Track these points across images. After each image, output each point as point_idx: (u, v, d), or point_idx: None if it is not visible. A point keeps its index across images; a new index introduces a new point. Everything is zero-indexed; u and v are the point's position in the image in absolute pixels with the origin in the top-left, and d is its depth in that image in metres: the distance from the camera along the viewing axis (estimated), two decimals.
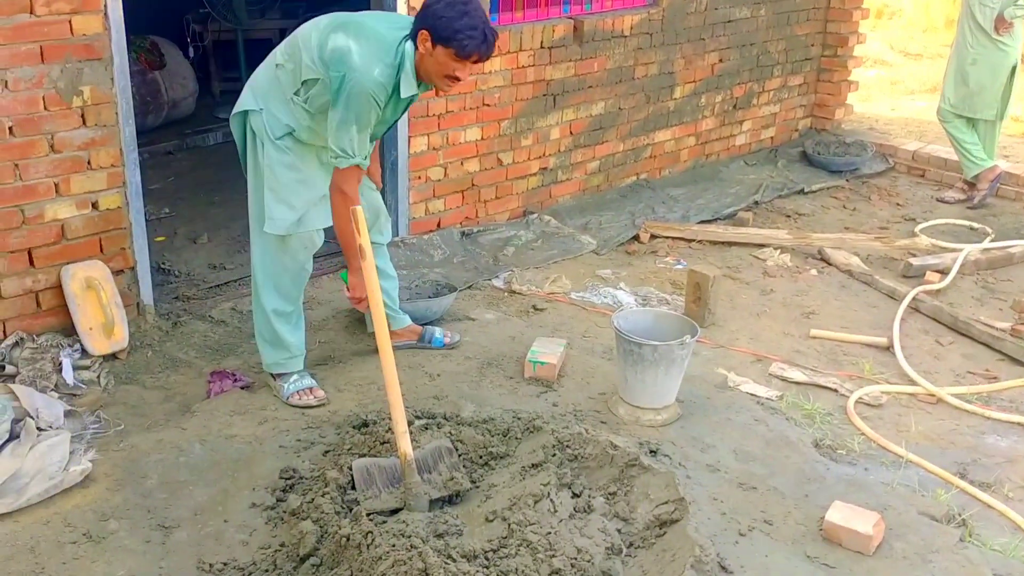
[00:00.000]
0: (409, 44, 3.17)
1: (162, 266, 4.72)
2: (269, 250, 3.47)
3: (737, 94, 6.60)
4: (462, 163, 5.09)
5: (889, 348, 4.29)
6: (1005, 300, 4.88)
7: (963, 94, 6.08)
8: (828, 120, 7.29)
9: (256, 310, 3.60)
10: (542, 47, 5.22)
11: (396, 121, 3.53)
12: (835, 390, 3.92)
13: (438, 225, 5.10)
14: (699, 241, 5.43)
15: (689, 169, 6.51)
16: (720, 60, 6.35)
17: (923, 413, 3.82)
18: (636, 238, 5.42)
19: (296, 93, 3.29)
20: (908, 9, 12.31)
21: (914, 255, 5.20)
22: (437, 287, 4.40)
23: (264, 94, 3.36)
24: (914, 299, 4.69)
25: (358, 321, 4.19)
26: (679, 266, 5.12)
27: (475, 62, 3.19)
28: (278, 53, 3.38)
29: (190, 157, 6.57)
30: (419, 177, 4.91)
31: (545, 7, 5.34)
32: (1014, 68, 5.99)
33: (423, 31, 3.10)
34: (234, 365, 3.87)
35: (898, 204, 6.25)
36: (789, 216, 5.96)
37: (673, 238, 5.45)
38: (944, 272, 5.02)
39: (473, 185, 5.20)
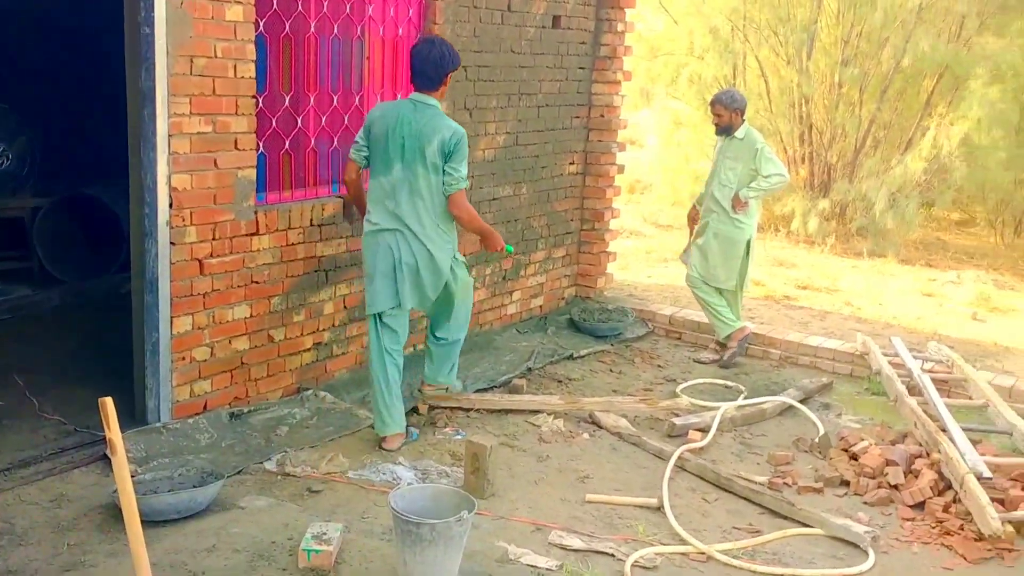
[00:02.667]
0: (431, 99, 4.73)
1: None
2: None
3: (505, 266, 6.86)
4: (230, 341, 4.93)
5: (660, 508, 4.42)
6: (761, 454, 5.20)
7: (705, 266, 6.64)
8: (591, 288, 7.70)
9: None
10: (312, 224, 5.25)
11: None
12: (612, 555, 3.97)
13: (205, 407, 4.86)
14: (477, 410, 5.48)
15: (464, 338, 6.60)
16: None
17: (695, 572, 3.93)
18: (415, 410, 5.39)
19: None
20: (658, 185, 13.46)
21: (677, 415, 5.46)
22: (202, 475, 4.15)
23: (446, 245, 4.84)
24: (680, 458, 4.90)
25: (113, 518, 3.85)
26: (458, 436, 5.12)
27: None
28: (426, 198, 4.68)
29: None
30: (183, 358, 4.70)
31: (314, 186, 5.40)
32: (749, 242, 6.61)
33: (447, 76, 4.77)
34: None
35: (659, 366, 6.62)
36: (561, 381, 6.15)
37: (451, 408, 5.46)
38: (705, 430, 5.31)
39: (243, 363, 5.03)
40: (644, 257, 9.98)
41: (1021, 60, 10.79)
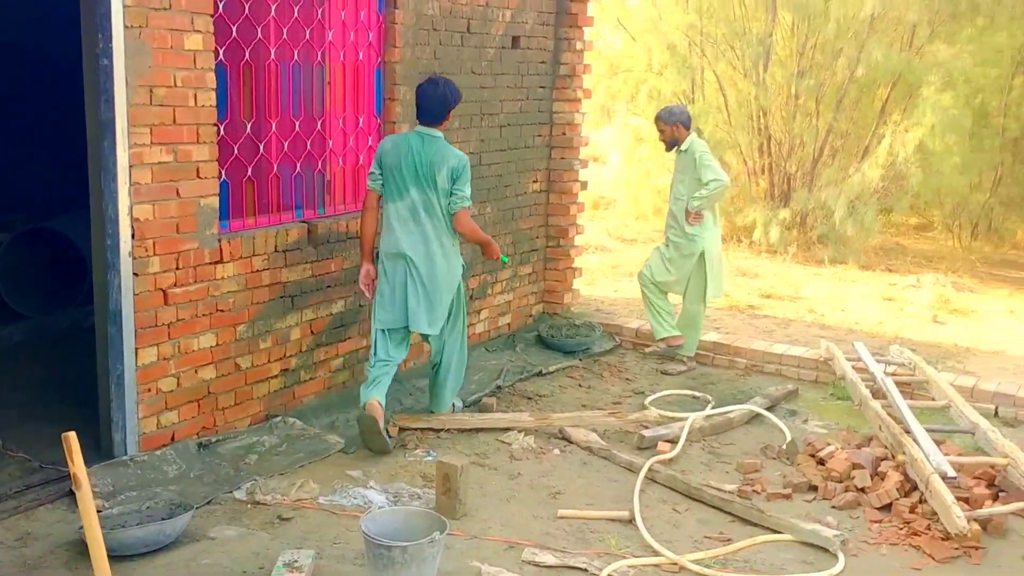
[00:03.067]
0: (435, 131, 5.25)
1: None
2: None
3: (472, 285, 6.88)
4: (196, 371, 4.90)
5: (632, 521, 4.45)
6: (730, 463, 5.25)
7: (660, 270, 6.80)
8: (558, 304, 7.75)
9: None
10: (276, 251, 5.25)
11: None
12: (585, 569, 3.99)
13: (172, 439, 4.83)
14: (447, 430, 5.48)
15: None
16: None
17: None
18: (386, 432, 5.38)
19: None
20: (621, 200, 13.57)
21: (646, 427, 5.51)
22: (171, 507, 4.12)
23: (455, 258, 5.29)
24: (650, 470, 4.94)
25: (80, 554, 3.81)
26: (429, 457, 5.12)
27: None
28: (440, 219, 5.16)
29: None
30: (148, 390, 4.67)
31: (277, 212, 5.40)
32: (703, 254, 6.70)
33: (447, 114, 5.28)
34: None
35: (628, 379, 6.66)
36: (530, 398, 6.17)
37: (421, 429, 5.47)
38: (674, 441, 5.35)
39: (210, 393, 5.01)
40: (610, 272, 10.05)
41: (971, 67, 11.04)
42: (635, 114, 12.99)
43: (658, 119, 6.75)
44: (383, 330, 5.32)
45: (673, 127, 6.66)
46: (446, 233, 5.23)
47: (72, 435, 2.64)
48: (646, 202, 12.76)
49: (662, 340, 6.90)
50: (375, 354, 5.34)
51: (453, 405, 5.76)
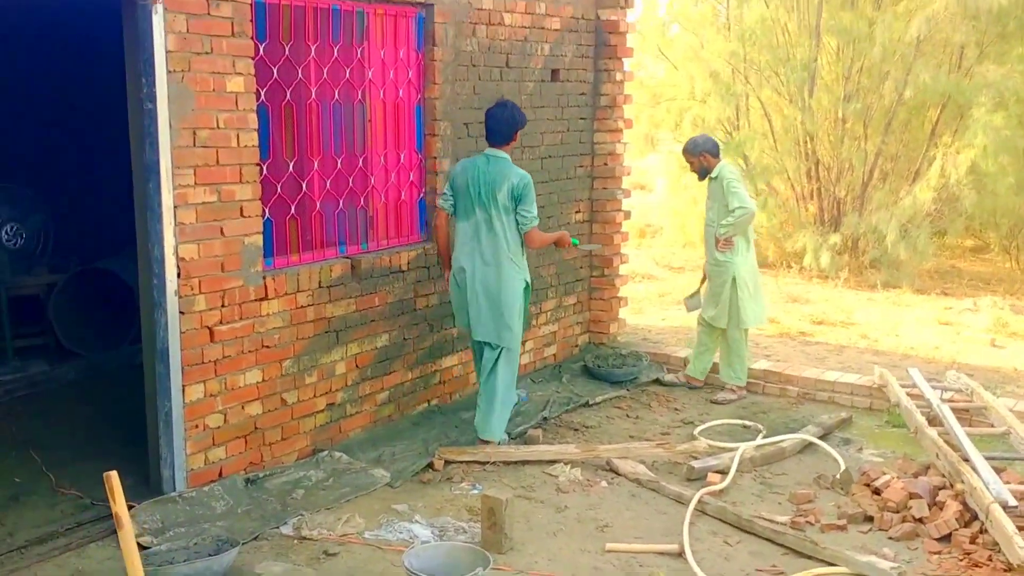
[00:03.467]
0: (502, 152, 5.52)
1: None
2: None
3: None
4: (243, 407, 4.95)
5: (681, 554, 4.36)
6: (782, 493, 5.14)
7: (707, 310, 6.80)
8: (604, 334, 7.69)
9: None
10: (320, 286, 5.29)
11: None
12: None
13: (220, 474, 4.87)
14: (493, 463, 5.45)
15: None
16: None
17: None
18: (431, 466, 5.37)
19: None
20: (667, 228, 13.50)
21: (695, 458, 5.41)
22: (218, 543, 4.14)
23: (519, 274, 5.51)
24: (699, 501, 4.85)
25: None
26: (475, 491, 5.09)
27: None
28: (500, 235, 5.41)
29: None
30: (196, 426, 4.72)
31: (321, 248, 5.46)
32: (734, 279, 6.63)
33: (515, 135, 5.55)
34: None
35: (676, 409, 6.57)
36: (577, 430, 6.12)
37: (467, 462, 5.44)
38: (724, 472, 5.25)
39: (256, 428, 5.04)
40: (657, 300, 9.97)
41: (1023, 86, 10.81)
42: (679, 142, 12.93)
43: (684, 152, 6.85)
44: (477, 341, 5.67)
45: (700, 157, 6.71)
46: (505, 249, 5.43)
47: (113, 474, 2.67)
48: (693, 229, 12.63)
49: (691, 378, 6.96)
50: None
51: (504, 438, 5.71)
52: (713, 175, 6.68)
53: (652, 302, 9.86)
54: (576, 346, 7.57)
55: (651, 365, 7.28)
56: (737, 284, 6.62)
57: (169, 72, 4.41)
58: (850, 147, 11.48)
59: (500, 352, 5.54)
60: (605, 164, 7.50)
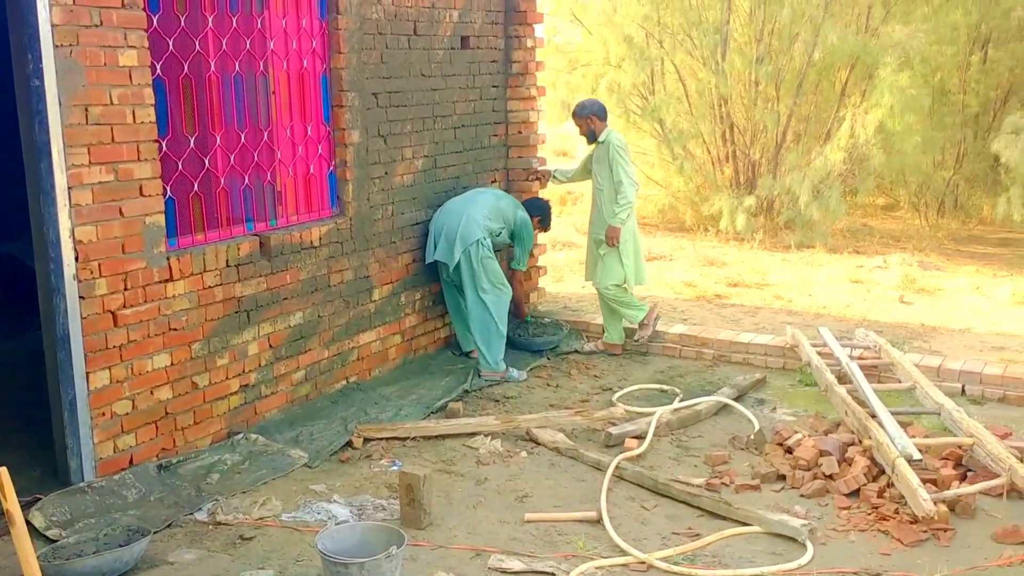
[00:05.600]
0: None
1: None
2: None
3: (435, 290, 6.82)
4: (152, 392, 4.81)
5: (599, 521, 4.40)
6: (699, 456, 5.22)
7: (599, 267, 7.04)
8: (525, 304, 7.67)
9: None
10: (228, 265, 5.16)
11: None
12: (553, 573, 3.94)
13: (131, 462, 4.74)
14: (413, 438, 5.42)
15: (399, 366, 6.57)
16: (414, 260, 6.58)
17: None
18: (350, 444, 5.32)
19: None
20: (588, 197, 13.50)
21: (613, 424, 5.46)
22: (129, 533, 4.04)
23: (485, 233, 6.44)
24: (617, 468, 4.90)
25: None
26: (394, 467, 5.05)
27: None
28: (491, 216, 6.57)
29: None
30: (102, 414, 4.57)
31: (228, 226, 5.31)
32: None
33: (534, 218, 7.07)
34: None
35: (596, 376, 6.62)
36: (498, 401, 6.12)
37: (387, 439, 5.40)
38: (641, 437, 5.31)
39: (167, 413, 4.92)
40: (577, 268, 9.95)
41: (928, 46, 11.06)
42: None
43: (573, 115, 6.96)
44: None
45: (588, 120, 6.85)
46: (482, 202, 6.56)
47: (3, 471, 2.56)
48: None
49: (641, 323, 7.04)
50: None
51: (508, 370, 6.48)
52: (601, 139, 6.82)
53: (573, 270, 9.88)
54: None
55: (571, 333, 7.32)
56: (620, 247, 6.81)
57: (56, 47, 4.22)
58: (763, 109, 11.63)
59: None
60: (519, 132, 7.46)
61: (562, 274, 9.56)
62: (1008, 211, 10.54)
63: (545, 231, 7.28)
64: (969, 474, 4.72)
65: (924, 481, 4.46)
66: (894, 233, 11.76)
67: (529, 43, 7.38)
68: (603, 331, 7.16)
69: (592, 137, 6.88)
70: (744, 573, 3.95)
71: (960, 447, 4.86)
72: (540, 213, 7.06)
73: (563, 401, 6.11)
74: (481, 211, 6.47)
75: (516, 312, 6.98)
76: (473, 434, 5.44)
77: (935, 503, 4.29)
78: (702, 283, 9.09)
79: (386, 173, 6.24)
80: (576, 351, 7.10)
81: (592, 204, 7.12)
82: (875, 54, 10.94)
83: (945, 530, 4.28)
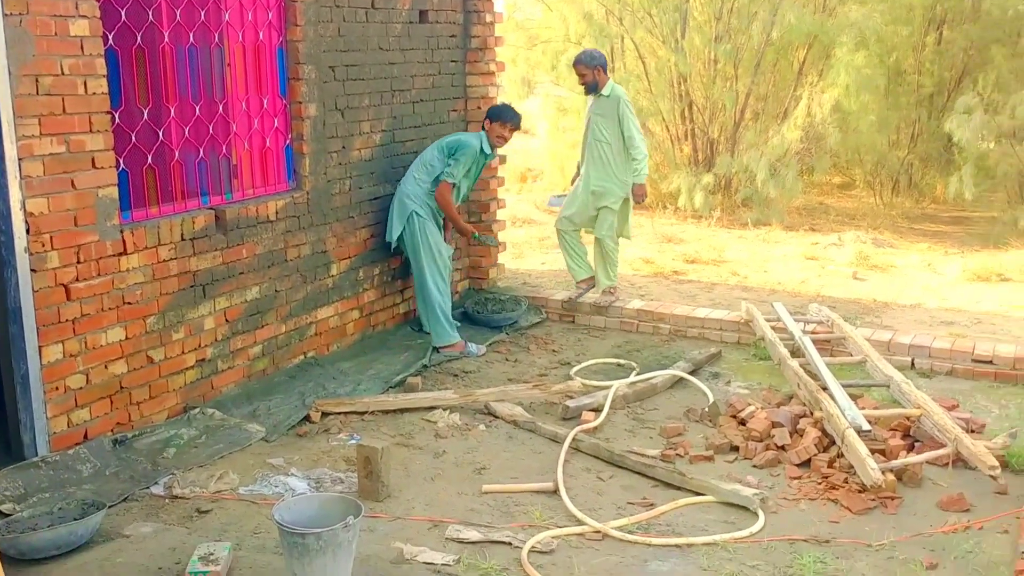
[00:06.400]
0: (483, 132, 6.60)
1: None
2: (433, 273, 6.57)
3: (394, 265, 6.82)
4: (106, 366, 4.77)
5: (556, 492, 4.46)
6: (654, 428, 5.29)
7: (583, 215, 7.24)
8: (484, 280, 7.71)
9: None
10: (183, 239, 5.12)
11: (474, 182, 6.85)
12: (509, 543, 3.99)
13: (85, 436, 4.70)
14: (371, 413, 5.43)
15: (357, 341, 6.56)
16: (372, 235, 6.57)
17: (592, 551, 3.98)
18: (307, 418, 5.32)
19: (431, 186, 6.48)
20: (548, 172, 13.55)
21: (571, 397, 5.51)
22: (84, 507, 4.02)
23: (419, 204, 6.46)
24: (574, 440, 4.95)
25: None
26: (352, 441, 5.06)
27: (512, 128, 6.63)
28: (419, 175, 6.50)
29: None
30: (56, 388, 4.53)
31: (183, 200, 5.26)
32: (626, 197, 7.08)
33: (487, 120, 6.60)
34: None
35: (554, 351, 6.67)
36: (456, 375, 6.15)
37: (345, 413, 5.41)
38: (598, 410, 5.37)
39: (122, 388, 4.88)
40: (538, 244, 10.03)
41: (883, 26, 11.20)
42: (557, 85, 12.96)
43: (579, 63, 6.91)
44: None
45: (595, 71, 6.86)
46: (416, 178, 6.48)
47: None
48: (572, 173, 12.74)
49: (580, 283, 7.34)
50: None
51: (464, 344, 6.53)
52: (605, 92, 6.87)
53: (532, 246, 9.93)
54: (456, 292, 7.56)
55: (530, 309, 7.35)
56: (627, 201, 7.04)
57: (5, 15, 4.14)
58: (722, 88, 11.71)
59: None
60: (478, 108, 7.44)
61: (522, 251, 9.59)
62: (960, 190, 10.75)
63: (516, 129, 6.70)
64: (916, 444, 4.84)
65: (873, 451, 4.57)
66: (849, 211, 11.94)
67: (488, 18, 7.36)
68: (562, 305, 7.26)
69: (593, 88, 6.88)
70: (697, 541, 4.03)
71: (908, 418, 4.98)
72: (497, 115, 6.59)
73: (521, 375, 6.15)
74: (409, 182, 6.48)
75: (459, 231, 6.81)
76: (431, 408, 5.47)
77: (883, 472, 4.39)
78: (660, 259, 9.17)
79: (344, 147, 6.21)
80: (568, 301, 7.32)
81: (586, 156, 7.15)
82: (832, 34, 11.07)
83: (892, 498, 4.39)
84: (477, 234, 6.89)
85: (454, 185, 6.48)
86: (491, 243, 7.18)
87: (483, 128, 6.63)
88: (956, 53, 11.77)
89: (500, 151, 7.69)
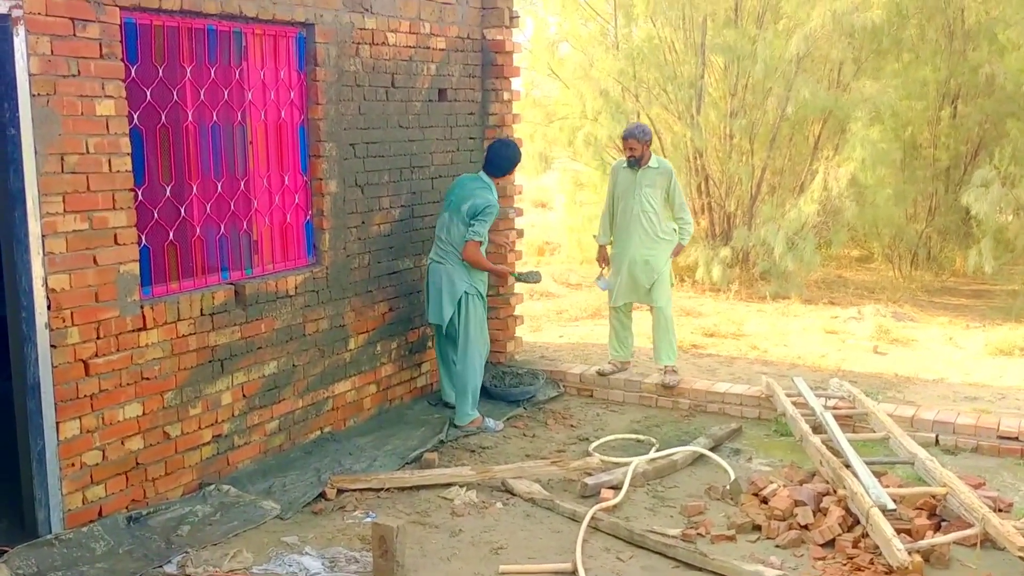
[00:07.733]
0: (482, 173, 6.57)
1: None
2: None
3: (412, 339, 6.82)
4: (123, 442, 4.76)
5: (574, 573, 4.37)
6: (675, 506, 5.20)
7: (633, 290, 7.19)
8: (502, 353, 7.69)
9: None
10: (202, 314, 5.14)
11: None
12: None
13: (100, 513, 4.67)
14: (387, 489, 5.37)
15: (374, 416, 6.53)
16: (390, 309, 6.58)
17: None
18: (323, 495, 5.27)
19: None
20: (566, 245, 13.62)
21: (589, 474, 5.44)
22: None
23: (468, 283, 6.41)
24: (593, 518, 4.87)
25: None
26: (368, 519, 5.00)
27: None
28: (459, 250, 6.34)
29: None
30: (72, 464, 4.51)
31: (203, 275, 5.30)
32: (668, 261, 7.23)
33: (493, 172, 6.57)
34: None
35: (572, 425, 6.60)
36: (473, 451, 6.08)
37: (361, 490, 5.35)
38: (617, 487, 5.29)
39: (138, 464, 4.86)
40: (555, 317, 10.02)
41: (898, 100, 11.29)
42: (574, 160, 13.09)
43: (632, 136, 6.96)
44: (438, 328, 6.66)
45: (644, 144, 6.92)
46: (454, 252, 6.33)
47: None
48: (590, 246, 12.78)
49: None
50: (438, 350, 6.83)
51: (482, 420, 6.47)
52: (654, 164, 7.00)
53: (550, 319, 9.92)
54: None
55: (548, 383, 7.31)
56: (669, 265, 7.12)
57: (33, 96, 4.24)
58: (737, 162, 11.79)
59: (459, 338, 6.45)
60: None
61: (540, 324, 9.58)
62: (979, 263, 10.69)
63: (511, 173, 6.82)
64: (943, 524, 4.73)
65: (898, 531, 4.46)
66: (868, 284, 11.88)
67: (506, 96, 7.48)
68: (581, 379, 7.20)
69: (638, 162, 6.96)
70: None
71: (934, 497, 4.88)
72: (495, 168, 6.53)
73: (539, 451, 6.08)
74: (450, 258, 6.36)
75: (499, 277, 6.82)
76: (448, 485, 5.40)
77: (909, 553, 4.28)
78: (679, 333, 9.08)
79: (363, 222, 6.27)
80: (594, 374, 7.31)
81: (624, 227, 7.11)
82: (847, 109, 11.16)
83: None
84: (516, 273, 6.91)
85: (481, 242, 6.40)
86: (534, 279, 6.94)
87: (483, 170, 6.54)
88: (971, 127, 11.83)
89: (518, 225, 7.77)
